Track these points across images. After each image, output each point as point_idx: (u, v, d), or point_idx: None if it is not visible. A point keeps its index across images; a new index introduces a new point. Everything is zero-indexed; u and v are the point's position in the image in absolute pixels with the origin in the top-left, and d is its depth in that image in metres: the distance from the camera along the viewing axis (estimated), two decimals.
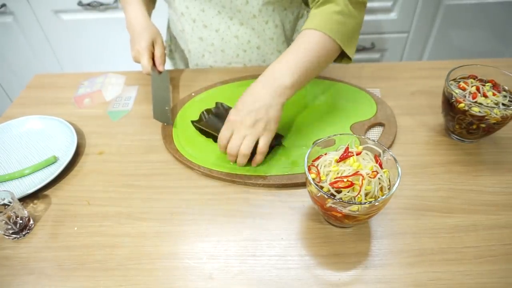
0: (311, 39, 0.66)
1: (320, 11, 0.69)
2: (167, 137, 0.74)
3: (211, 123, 0.73)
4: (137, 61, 0.81)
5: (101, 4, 1.44)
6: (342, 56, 0.73)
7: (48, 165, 0.71)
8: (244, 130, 0.63)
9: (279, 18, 0.87)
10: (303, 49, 0.66)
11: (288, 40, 0.94)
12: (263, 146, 0.64)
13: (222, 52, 0.91)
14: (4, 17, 1.49)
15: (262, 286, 0.52)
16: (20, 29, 1.53)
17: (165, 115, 0.78)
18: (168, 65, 1.06)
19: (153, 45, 0.81)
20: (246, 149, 0.63)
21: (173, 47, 1.03)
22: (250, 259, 0.55)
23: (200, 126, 0.73)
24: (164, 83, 0.83)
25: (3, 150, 0.75)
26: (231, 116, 0.65)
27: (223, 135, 0.65)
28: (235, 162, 0.66)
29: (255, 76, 0.88)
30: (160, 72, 0.83)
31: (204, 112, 0.77)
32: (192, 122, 0.75)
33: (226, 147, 0.65)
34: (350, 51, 0.70)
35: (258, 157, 0.65)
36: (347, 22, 0.68)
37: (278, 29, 0.88)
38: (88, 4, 1.44)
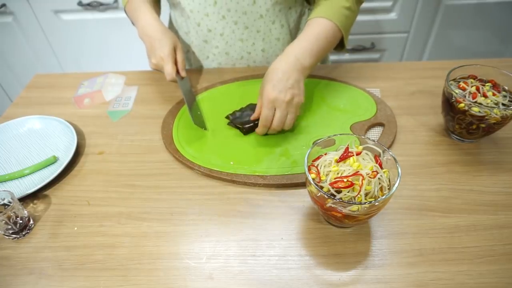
0: (325, 28, 0.74)
1: (332, 3, 0.76)
2: (167, 137, 0.74)
3: (237, 119, 0.76)
4: (158, 68, 0.79)
5: (101, 4, 1.44)
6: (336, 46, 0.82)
7: (48, 165, 0.71)
8: (285, 107, 0.68)
9: (285, 18, 0.88)
10: (319, 36, 0.74)
11: (294, 39, 0.93)
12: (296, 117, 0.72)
13: (227, 54, 0.91)
14: (4, 17, 1.49)
15: (262, 286, 0.52)
16: (20, 29, 1.53)
17: (201, 120, 0.77)
18: None
19: (174, 51, 0.79)
20: (291, 125, 0.71)
21: None
22: (250, 259, 0.55)
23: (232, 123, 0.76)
24: (189, 88, 0.82)
25: (3, 150, 0.75)
26: (270, 94, 0.68)
27: (266, 115, 0.69)
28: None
29: (255, 76, 0.88)
30: (182, 78, 0.82)
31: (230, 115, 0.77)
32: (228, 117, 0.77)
33: (267, 127, 0.70)
34: (347, 43, 0.81)
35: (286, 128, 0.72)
36: (350, 17, 0.77)
37: (284, 29, 0.89)
38: (88, 4, 1.44)
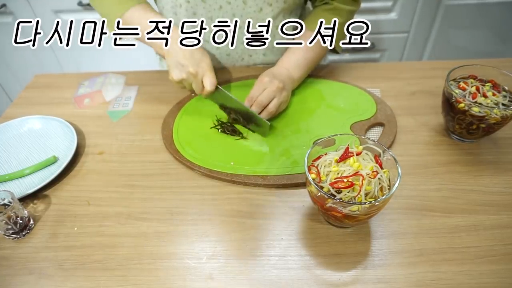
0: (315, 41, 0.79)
1: (325, 17, 0.79)
2: (167, 138, 0.74)
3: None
4: (196, 77, 0.72)
5: None
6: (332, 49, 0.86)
7: (48, 165, 0.71)
8: (275, 91, 0.73)
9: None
10: (309, 49, 0.80)
11: None
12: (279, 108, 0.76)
13: (228, 56, 0.91)
14: (4, 17, 1.49)
15: (262, 286, 0.51)
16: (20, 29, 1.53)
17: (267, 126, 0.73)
18: (160, 67, 1.06)
19: None
20: (273, 107, 0.73)
21: None
22: (250, 259, 0.55)
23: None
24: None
25: (3, 150, 0.75)
26: (264, 79, 0.75)
27: (253, 93, 0.74)
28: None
29: (255, 76, 0.88)
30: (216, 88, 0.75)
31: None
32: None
33: (252, 101, 0.73)
34: (340, 49, 0.85)
35: (265, 114, 0.74)
36: (343, 28, 0.80)
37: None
38: (88, 4, 1.44)
